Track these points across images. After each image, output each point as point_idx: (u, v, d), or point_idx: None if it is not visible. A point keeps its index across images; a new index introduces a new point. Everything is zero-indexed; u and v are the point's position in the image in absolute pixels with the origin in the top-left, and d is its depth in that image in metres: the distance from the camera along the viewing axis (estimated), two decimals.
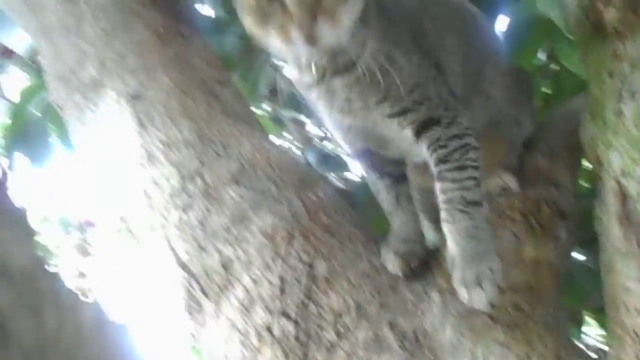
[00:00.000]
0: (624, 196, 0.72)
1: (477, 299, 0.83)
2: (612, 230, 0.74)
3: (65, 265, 3.11)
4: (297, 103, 1.87)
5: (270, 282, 0.90)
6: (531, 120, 1.11)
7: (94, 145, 1.24)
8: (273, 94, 2.10)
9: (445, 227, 0.87)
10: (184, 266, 0.97)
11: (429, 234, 1.10)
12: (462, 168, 0.88)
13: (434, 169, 0.90)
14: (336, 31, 0.78)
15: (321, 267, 0.90)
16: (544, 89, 1.68)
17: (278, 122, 2.26)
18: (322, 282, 0.89)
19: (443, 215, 0.88)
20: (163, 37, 1.35)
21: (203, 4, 2.19)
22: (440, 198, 0.88)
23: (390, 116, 0.89)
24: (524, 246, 0.86)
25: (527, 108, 1.11)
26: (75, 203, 3.14)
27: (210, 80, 1.32)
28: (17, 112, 1.80)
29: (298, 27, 0.75)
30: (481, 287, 0.83)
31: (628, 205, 0.71)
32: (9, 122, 1.85)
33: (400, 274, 0.93)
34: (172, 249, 0.99)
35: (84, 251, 2.82)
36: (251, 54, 1.85)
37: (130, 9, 1.39)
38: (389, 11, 0.92)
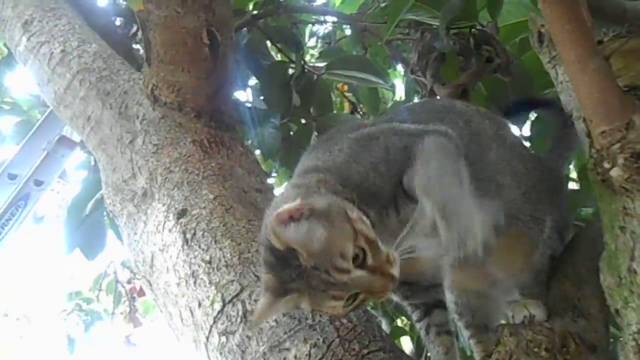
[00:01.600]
0: None
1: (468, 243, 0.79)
2: None
3: (114, 331, 3.21)
4: None
5: None
6: (562, 222, 1.09)
7: (144, 255, 1.34)
8: None
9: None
10: None
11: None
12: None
13: None
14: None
15: None
16: None
17: None
18: None
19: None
20: (207, 149, 1.46)
21: (245, 91, 2.33)
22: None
23: None
24: None
25: (550, 206, 1.08)
26: (125, 271, 3.23)
27: (250, 190, 1.41)
28: (74, 205, 1.94)
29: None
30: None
31: None
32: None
33: None
34: None
35: (134, 320, 2.91)
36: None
37: (178, 123, 1.51)
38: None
